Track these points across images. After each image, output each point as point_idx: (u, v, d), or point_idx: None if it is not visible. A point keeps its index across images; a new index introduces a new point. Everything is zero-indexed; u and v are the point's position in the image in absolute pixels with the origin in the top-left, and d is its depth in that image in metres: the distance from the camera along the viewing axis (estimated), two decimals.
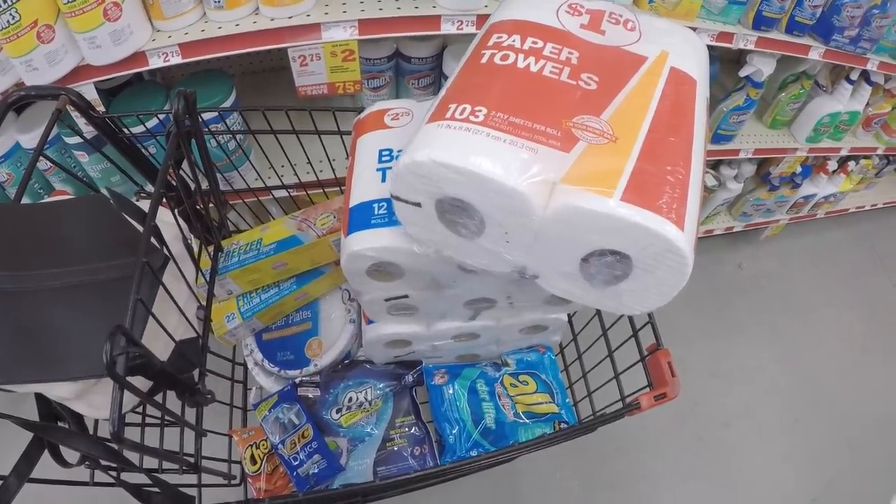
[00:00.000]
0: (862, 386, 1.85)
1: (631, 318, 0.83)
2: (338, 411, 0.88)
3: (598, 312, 0.91)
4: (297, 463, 0.84)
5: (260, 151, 0.90)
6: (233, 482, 0.86)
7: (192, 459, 0.67)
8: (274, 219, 1.03)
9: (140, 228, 0.56)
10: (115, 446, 0.49)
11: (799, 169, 1.86)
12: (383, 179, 0.67)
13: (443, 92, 0.57)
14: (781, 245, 2.20)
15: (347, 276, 0.68)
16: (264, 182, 0.96)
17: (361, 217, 0.64)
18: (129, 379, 0.46)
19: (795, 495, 1.61)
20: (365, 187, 0.67)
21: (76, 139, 1.02)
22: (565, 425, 0.90)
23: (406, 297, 0.72)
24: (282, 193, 0.99)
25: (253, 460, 0.86)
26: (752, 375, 1.82)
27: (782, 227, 2.12)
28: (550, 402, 0.92)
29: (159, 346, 0.61)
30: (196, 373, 0.67)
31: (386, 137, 0.72)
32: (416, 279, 0.68)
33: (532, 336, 0.90)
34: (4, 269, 0.57)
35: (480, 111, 0.52)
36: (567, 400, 0.94)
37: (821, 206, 2.07)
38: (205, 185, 0.81)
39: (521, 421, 0.90)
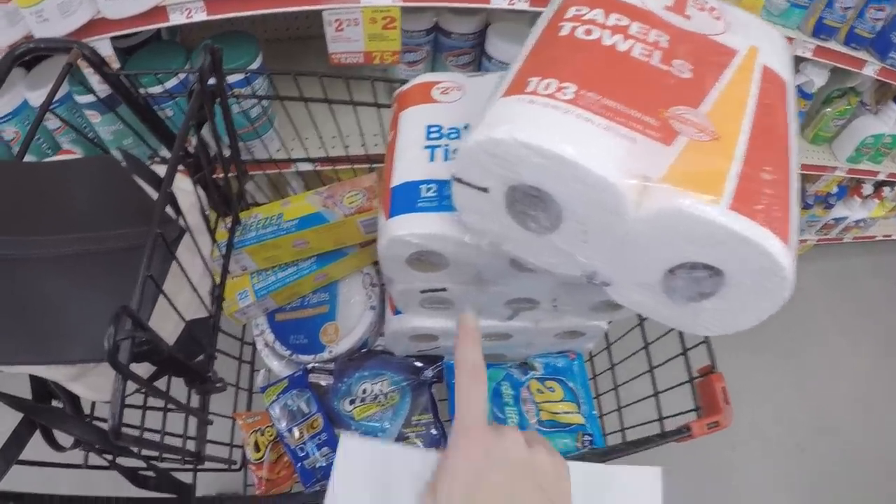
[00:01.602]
0: (871, 419, 1.80)
1: (681, 334, 0.77)
2: (351, 402, 0.82)
3: (642, 323, 0.85)
4: (303, 454, 0.79)
5: (285, 120, 0.83)
6: (233, 467, 0.80)
7: (194, 449, 0.61)
8: (295, 194, 0.96)
9: (154, 195, 0.50)
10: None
11: (835, 189, 1.79)
12: (431, 158, 0.60)
13: (517, 64, 0.50)
14: (805, 266, 2.13)
15: (382, 262, 0.61)
16: (288, 153, 0.88)
17: (406, 198, 0.58)
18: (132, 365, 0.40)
19: None
20: (410, 166, 0.61)
21: (88, 98, 0.95)
22: (589, 438, 0.85)
23: (444, 290, 0.65)
24: (307, 167, 0.92)
25: (256, 447, 0.80)
26: (764, 398, 1.77)
27: (809, 248, 2.06)
28: (576, 413, 0.86)
29: (168, 328, 0.54)
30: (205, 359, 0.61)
31: (434, 112, 0.65)
32: (459, 272, 0.61)
33: (565, 341, 0.84)
34: (10, 232, 0.50)
35: (568, 88, 0.45)
36: (594, 412, 0.88)
37: (850, 230, 2.00)
38: (225, 152, 0.74)
39: (544, 430, 0.84)
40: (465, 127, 0.63)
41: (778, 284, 0.44)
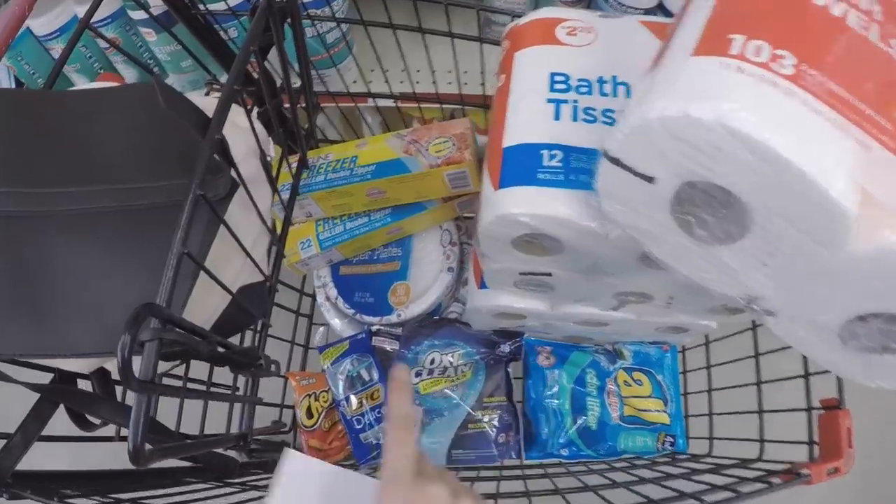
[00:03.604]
0: None
1: (805, 357, 0.65)
2: (417, 374, 0.74)
3: (755, 328, 0.73)
4: (359, 427, 0.72)
5: (365, 46, 0.70)
6: (282, 430, 0.74)
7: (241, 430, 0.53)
8: (372, 133, 0.85)
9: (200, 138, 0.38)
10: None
11: None
12: (556, 116, 0.48)
13: (708, 7, 0.37)
14: None
15: (482, 238, 0.51)
16: (367, 85, 0.76)
17: (522, 165, 0.47)
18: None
19: None
20: (528, 122, 0.49)
21: (142, 13, 0.83)
22: (671, 440, 0.76)
23: (549, 275, 0.55)
24: (387, 103, 0.80)
25: (309, 413, 0.73)
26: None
27: None
28: (662, 411, 0.76)
29: (212, 302, 0.45)
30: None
31: (559, 57, 0.52)
32: (573, 260, 0.51)
33: (665, 335, 0.73)
34: (11, 183, 0.40)
35: (786, 58, 0.32)
36: (681, 411, 0.78)
37: None
38: (294, 82, 0.62)
39: (625, 426, 0.75)
40: (601, 81, 0.50)
41: None
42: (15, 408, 0.46)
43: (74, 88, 0.45)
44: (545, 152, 0.46)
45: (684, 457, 0.76)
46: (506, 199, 0.46)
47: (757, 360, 0.73)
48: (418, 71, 0.73)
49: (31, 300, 0.38)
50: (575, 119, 0.48)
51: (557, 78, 0.51)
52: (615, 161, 0.36)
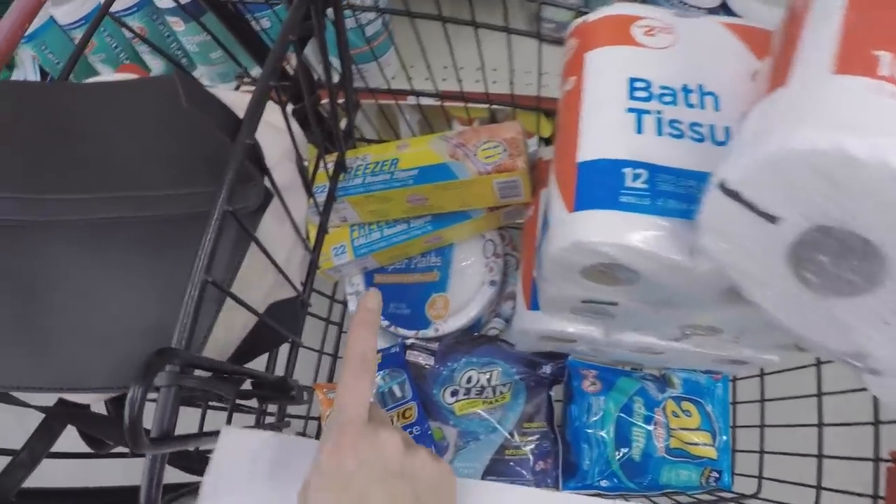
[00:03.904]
0: None
1: (876, 401, 0.60)
2: (452, 394, 0.69)
3: (819, 366, 0.68)
4: None
5: (408, 37, 0.64)
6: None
7: None
8: (411, 132, 0.80)
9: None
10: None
11: None
12: (638, 128, 0.43)
13: (837, 15, 0.31)
14: None
15: (547, 264, 0.46)
16: (409, 81, 0.71)
17: (602, 185, 0.41)
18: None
19: None
20: (606, 134, 0.44)
21: (169, 2, 0.79)
22: (716, 475, 0.71)
23: (614, 304, 0.50)
24: (431, 102, 0.75)
25: None
26: None
27: None
28: (709, 445, 0.71)
29: (238, 323, 0.40)
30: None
31: (638, 60, 0.47)
32: (645, 291, 0.46)
33: (721, 365, 0.68)
34: (14, 187, 0.35)
35: None
36: (729, 445, 0.73)
37: None
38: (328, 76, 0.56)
39: (670, 458, 0.70)
40: (686, 90, 0.45)
41: None
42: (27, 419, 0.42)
43: (89, 81, 0.39)
44: (628, 171, 0.41)
45: (730, 495, 0.71)
46: (584, 224, 0.41)
47: (820, 399, 0.67)
48: (462, 68, 0.68)
49: (34, 324, 0.33)
50: (659, 133, 0.43)
51: (638, 84, 0.45)
52: (732, 194, 0.31)
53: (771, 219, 0.30)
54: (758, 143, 0.28)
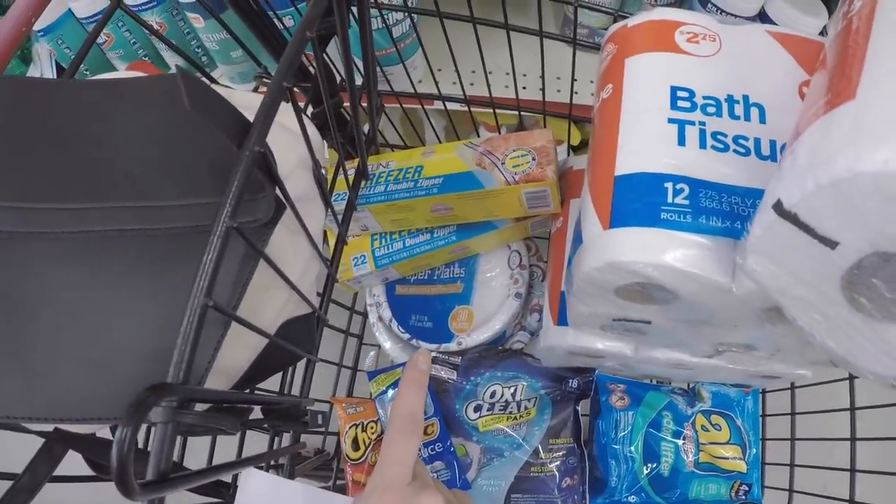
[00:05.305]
0: None
1: None
2: (476, 409, 0.68)
3: (852, 380, 0.66)
4: None
5: (435, 38, 0.62)
6: (326, 459, 0.69)
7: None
8: (436, 137, 0.78)
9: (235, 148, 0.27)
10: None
11: None
12: (681, 140, 0.41)
13: None
14: None
15: (579, 283, 0.44)
16: (436, 85, 0.70)
17: (641, 201, 0.40)
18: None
19: None
20: (646, 147, 0.42)
21: None
22: (746, 489, 0.69)
23: (648, 322, 0.48)
24: (458, 107, 0.73)
25: (355, 445, 0.67)
26: None
27: None
28: (739, 458, 0.69)
29: (252, 338, 0.37)
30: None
31: (682, 68, 0.45)
32: (682, 311, 0.44)
33: (752, 380, 0.66)
34: (4, 195, 0.31)
35: None
36: (759, 458, 0.71)
37: None
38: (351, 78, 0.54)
39: (700, 472, 0.69)
40: (731, 101, 0.43)
41: None
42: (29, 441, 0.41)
43: (93, 78, 0.36)
44: (669, 185, 0.40)
45: None
46: (620, 243, 0.39)
47: (853, 413, 0.66)
48: (490, 72, 0.66)
49: (24, 348, 0.30)
50: (703, 146, 0.41)
51: (680, 93, 0.43)
52: (788, 216, 0.29)
53: (830, 244, 0.28)
54: (820, 163, 0.27)
